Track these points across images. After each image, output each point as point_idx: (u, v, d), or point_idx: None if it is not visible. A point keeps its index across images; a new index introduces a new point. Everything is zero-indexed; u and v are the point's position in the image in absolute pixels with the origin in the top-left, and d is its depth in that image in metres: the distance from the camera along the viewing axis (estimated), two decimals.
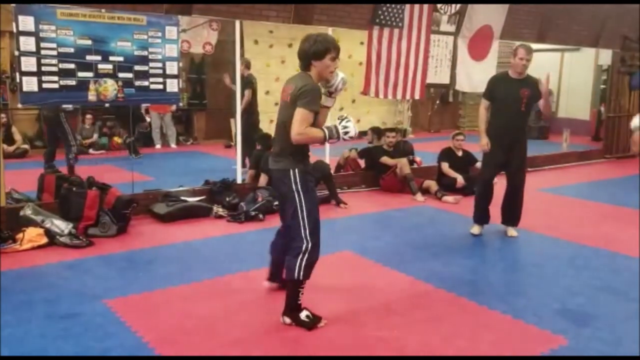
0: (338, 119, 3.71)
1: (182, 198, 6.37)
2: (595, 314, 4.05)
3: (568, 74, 14.99)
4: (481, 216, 6.00)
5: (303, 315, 3.73)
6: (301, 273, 3.66)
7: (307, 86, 3.55)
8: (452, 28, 8.41)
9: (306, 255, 3.66)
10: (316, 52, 3.59)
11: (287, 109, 3.61)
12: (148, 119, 11.49)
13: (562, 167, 10.44)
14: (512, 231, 6.00)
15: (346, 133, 3.64)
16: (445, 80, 8.71)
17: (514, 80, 5.72)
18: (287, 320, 3.74)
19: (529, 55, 5.60)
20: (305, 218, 3.66)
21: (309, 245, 3.67)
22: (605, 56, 12.21)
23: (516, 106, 5.68)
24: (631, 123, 4.99)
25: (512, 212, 6.00)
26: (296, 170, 3.66)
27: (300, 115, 3.51)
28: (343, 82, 3.75)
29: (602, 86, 13.91)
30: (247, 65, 8.70)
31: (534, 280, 4.70)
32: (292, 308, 3.76)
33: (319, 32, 3.78)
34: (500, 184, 6.26)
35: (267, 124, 11.79)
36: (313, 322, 3.72)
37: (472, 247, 5.62)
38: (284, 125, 3.63)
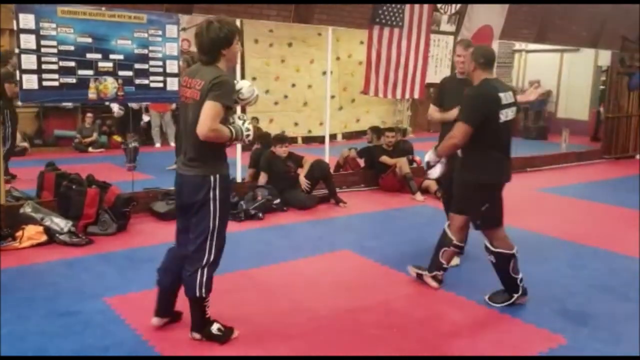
0: (238, 119, 3.36)
1: None
2: (594, 313, 4.06)
3: (567, 75, 14.99)
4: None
5: (214, 328, 3.47)
6: (203, 290, 3.34)
7: (221, 78, 3.18)
8: (452, 28, 8.41)
9: (205, 269, 3.34)
10: (226, 38, 3.23)
11: (198, 109, 3.17)
12: (147, 118, 11.48)
13: (561, 168, 10.46)
14: None
15: (248, 136, 3.35)
16: None
17: (461, 81, 4.85)
18: (197, 336, 3.46)
19: (466, 51, 4.63)
20: (216, 230, 3.32)
21: (211, 259, 3.35)
22: (605, 57, 12.20)
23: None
24: (426, 157, 4.42)
25: None
26: (217, 177, 3.30)
27: (213, 109, 3.12)
28: (256, 100, 3.53)
29: (602, 87, 13.92)
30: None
31: (532, 280, 4.69)
32: (201, 324, 3.46)
33: (215, 17, 3.33)
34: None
35: (267, 123, 11.82)
36: (225, 335, 3.47)
37: (471, 247, 5.61)
38: (195, 127, 3.19)
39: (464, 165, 4.17)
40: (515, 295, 4.15)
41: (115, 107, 7.69)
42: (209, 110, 3.12)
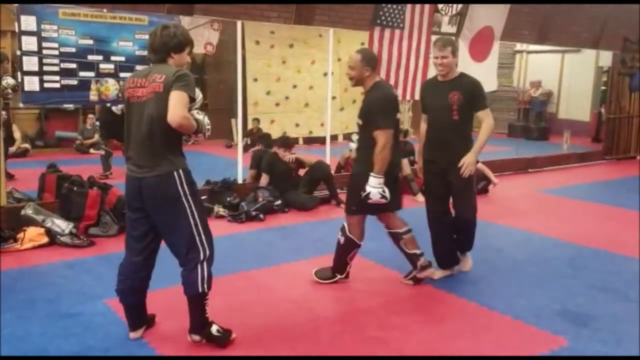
0: (197, 114, 3.28)
1: None
2: (595, 314, 4.06)
3: (568, 76, 15.00)
4: (441, 258, 4.71)
5: (214, 330, 3.41)
6: (205, 285, 3.29)
7: (183, 71, 3.18)
8: (453, 29, 8.41)
9: (205, 264, 3.29)
10: (178, 45, 3.27)
11: (163, 101, 3.08)
12: None
13: (562, 168, 10.45)
14: (464, 263, 4.82)
15: (208, 130, 3.32)
16: None
17: (441, 83, 4.51)
18: (196, 337, 3.41)
19: (443, 51, 4.37)
20: (199, 224, 3.26)
21: (207, 253, 3.30)
22: (606, 58, 12.21)
23: (446, 115, 4.41)
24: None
25: (461, 244, 4.77)
26: (181, 172, 3.21)
27: (183, 98, 3.06)
28: (200, 104, 3.40)
29: (603, 87, 13.92)
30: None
31: (533, 281, 4.70)
32: (201, 324, 3.40)
33: (173, 23, 3.45)
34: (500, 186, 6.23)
35: (268, 124, 11.84)
36: (225, 337, 3.43)
37: (473, 248, 5.62)
38: (159, 121, 3.11)
39: (361, 161, 4.26)
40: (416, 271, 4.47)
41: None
42: (179, 98, 3.06)
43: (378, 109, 4.11)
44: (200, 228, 3.28)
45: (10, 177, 7.45)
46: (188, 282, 3.31)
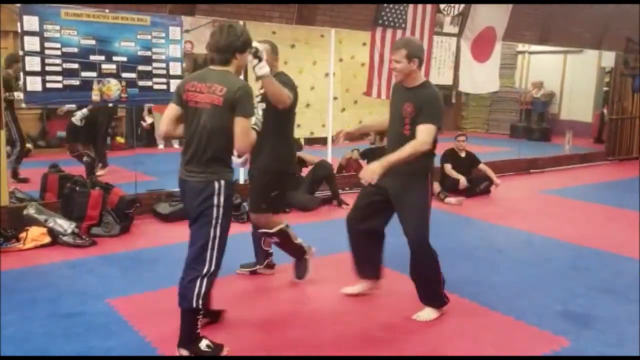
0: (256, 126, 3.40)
1: None
2: (597, 315, 4.06)
3: (571, 76, 14.96)
4: (359, 269, 4.31)
5: (203, 345, 3.30)
6: (199, 301, 3.21)
7: (246, 88, 3.20)
8: (455, 29, 8.41)
9: (205, 279, 3.22)
10: (243, 45, 3.27)
11: (220, 116, 3.15)
12: (150, 120, 11.50)
13: (565, 169, 10.44)
14: (422, 313, 3.97)
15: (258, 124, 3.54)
16: (448, 81, 8.72)
17: (403, 90, 3.90)
18: (184, 352, 3.29)
19: (395, 54, 3.79)
20: (217, 239, 3.22)
21: (211, 269, 3.23)
22: (608, 58, 12.19)
23: (398, 128, 3.87)
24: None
25: (419, 283, 4.04)
26: (222, 183, 3.22)
27: (246, 126, 3.17)
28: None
29: (605, 88, 13.89)
30: None
31: (535, 282, 4.70)
32: (190, 339, 3.30)
33: (231, 22, 3.39)
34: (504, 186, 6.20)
35: None
36: (215, 352, 3.33)
37: (474, 248, 5.63)
38: (212, 133, 3.17)
39: (266, 154, 4.15)
40: (305, 257, 4.52)
41: (79, 114, 7.67)
42: (245, 126, 3.16)
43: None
44: (217, 243, 3.23)
45: (23, 180, 7.48)
46: (183, 294, 3.26)
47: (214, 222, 3.21)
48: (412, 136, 3.73)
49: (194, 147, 3.25)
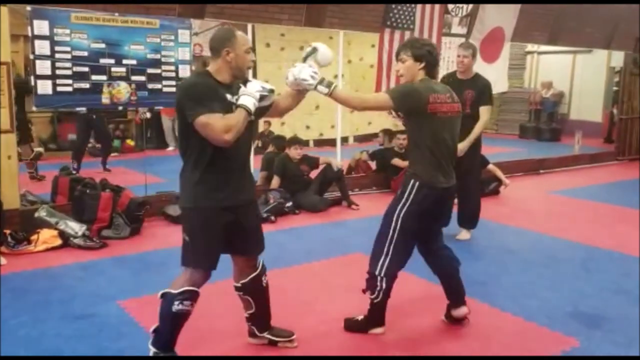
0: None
1: None
2: (607, 316, 4.04)
3: (580, 76, 14.92)
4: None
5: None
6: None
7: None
8: (463, 30, 8.40)
9: None
10: None
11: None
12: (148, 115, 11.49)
13: (574, 169, 10.40)
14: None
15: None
16: None
17: (459, 81, 5.62)
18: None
19: (466, 51, 5.63)
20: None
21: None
22: (618, 58, 12.14)
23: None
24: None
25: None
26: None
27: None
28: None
29: (615, 88, 13.80)
30: None
31: (546, 283, 4.69)
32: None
33: None
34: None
35: (278, 126, 11.83)
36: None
37: (484, 248, 5.62)
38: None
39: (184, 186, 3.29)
40: None
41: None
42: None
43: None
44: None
45: (40, 178, 7.60)
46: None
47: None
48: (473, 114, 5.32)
49: (453, 153, 3.66)
